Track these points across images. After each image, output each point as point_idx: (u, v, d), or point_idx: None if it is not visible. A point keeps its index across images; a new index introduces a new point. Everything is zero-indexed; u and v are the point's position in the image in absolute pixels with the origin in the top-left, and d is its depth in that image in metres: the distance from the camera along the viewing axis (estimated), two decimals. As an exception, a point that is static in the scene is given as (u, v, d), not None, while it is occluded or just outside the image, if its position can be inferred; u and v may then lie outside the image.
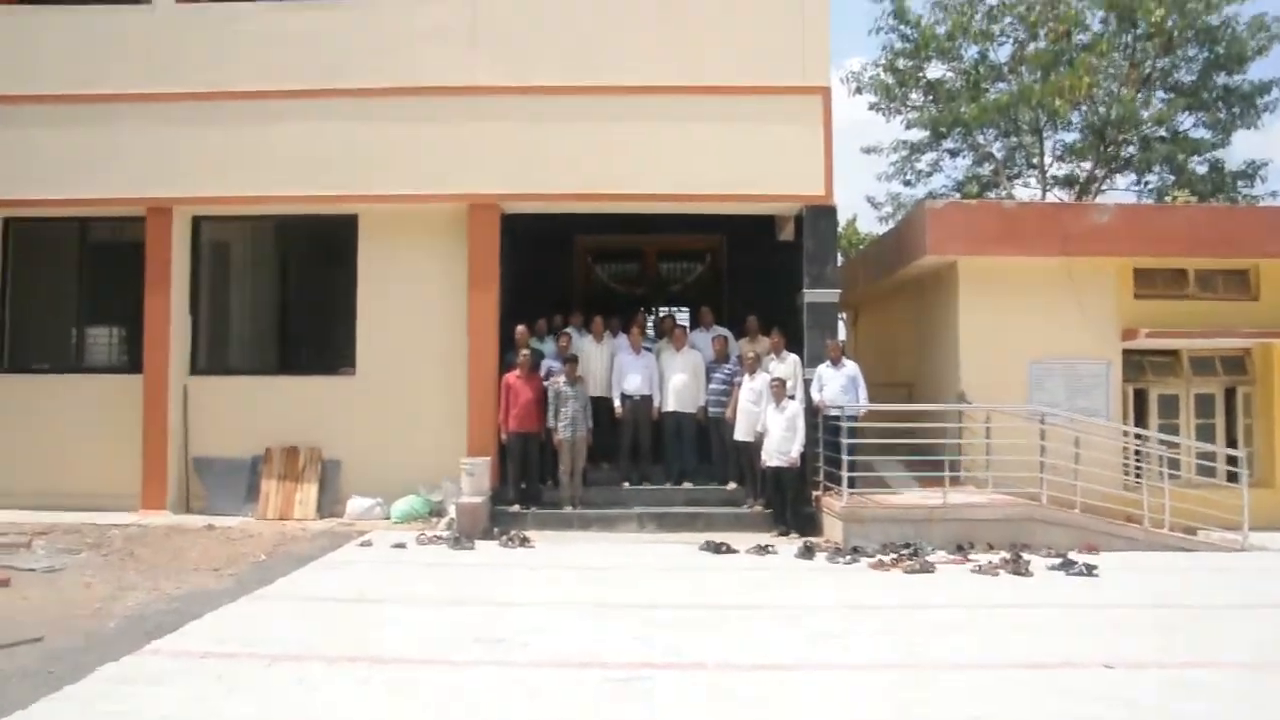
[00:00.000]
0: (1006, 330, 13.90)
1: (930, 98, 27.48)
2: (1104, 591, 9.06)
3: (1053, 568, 9.92)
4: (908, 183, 28.95)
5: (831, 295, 13.08)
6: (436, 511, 12.94)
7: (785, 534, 11.92)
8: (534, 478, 12.65)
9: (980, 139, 27.70)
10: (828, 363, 12.65)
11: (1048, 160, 27.17)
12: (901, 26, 26.45)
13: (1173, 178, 25.71)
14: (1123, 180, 27.10)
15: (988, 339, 13.90)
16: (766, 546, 10.85)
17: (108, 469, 13.19)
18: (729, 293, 15.78)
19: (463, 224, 13.29)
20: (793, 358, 12.87)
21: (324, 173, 13.20)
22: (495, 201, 13.21)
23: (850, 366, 12.61)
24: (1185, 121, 25.89)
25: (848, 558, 10.37)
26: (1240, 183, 25.37)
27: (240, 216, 13.94)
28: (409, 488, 13.08)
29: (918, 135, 27.97)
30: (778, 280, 15.24)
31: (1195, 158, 25.66)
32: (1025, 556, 10.28)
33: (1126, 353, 14.23)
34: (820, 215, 13.13)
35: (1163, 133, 25.62)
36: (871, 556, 10.55)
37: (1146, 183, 26.39)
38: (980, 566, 9.86)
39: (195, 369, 13.69)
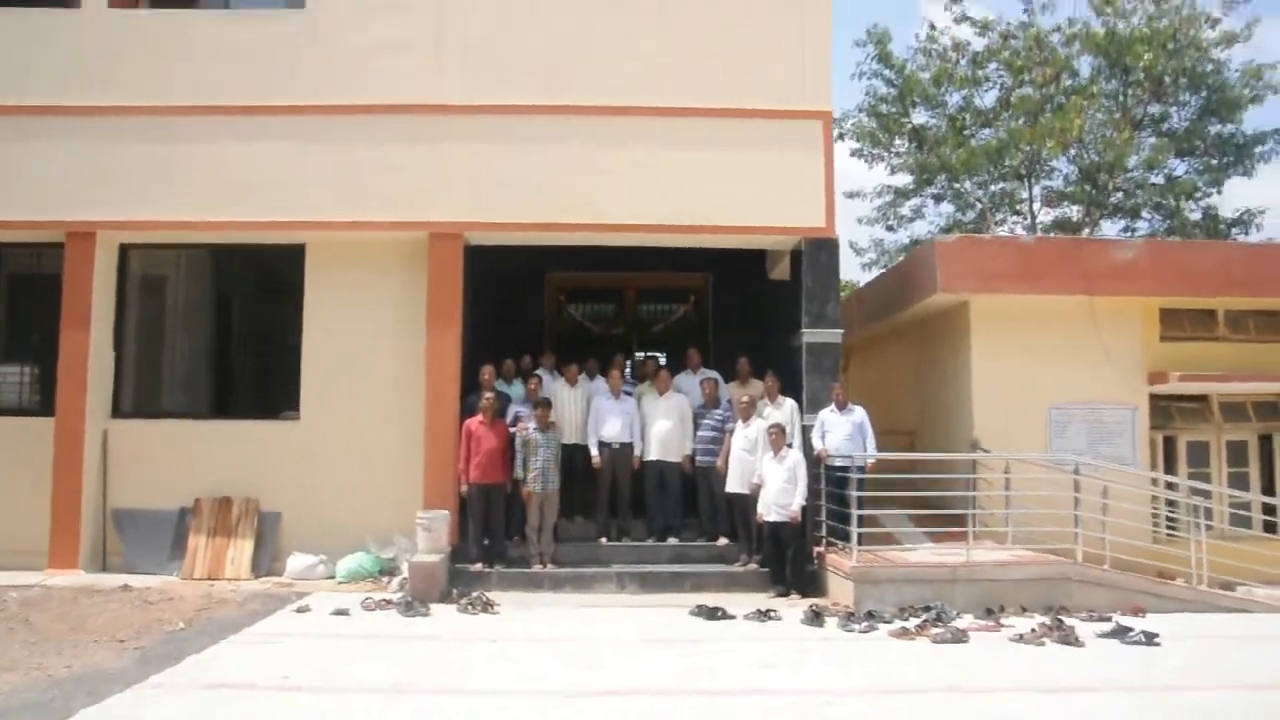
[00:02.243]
0: (1023, 374, 12.66)
1: (914, 143, 26.66)
2: (1174, 666, 7.68)
3: (1104, 635, 8.55)
4: (890, 228, 28.03)
5: (834, 335, 11.77)
6: (388, 570, 11.40)
7: (785, 595, 10.50)
8: (499, 533, 11.17)
9: (965, 185, 26.87)
10: (831, 408, 11.32)
11: (1035, 206, 26.33)
12: (885, 71, 25.67)
13: (1164, 223, 24.93)
14: (1111, 226, 26.26)
15: (1003, 383, 12.65)
16: (768, 612, 9.40)
17: (10, 522, 11.55)
18: (715, 335, 14.48)
19: (422, 255, 11.89)
20: (790, 403, 11.54)
21: (268, 198, 11.80)
22: (458, 231, 11.85)
23: (857, 412, 11.27)
24: (1177, 167, 25.16)
25: (863, 624, 8.95)
26: (1235, 230, 24.55)
27: (173, 245, 12.44)
28: (357, 544, 11.55)
29: (901, 180, 27.15)
30: (769, 322, 14.06)
31: (1188, 203, 24.86)
32: (1067, 621, 8.91)
33: (1153, 398, 13.01)
34: (821, 249, 11.88)
35: (1154, 178, 24.87)
36: (889, 622, 9.16)
37: (1136, 229, 25.55)
38: (1022, 635, 8.45)
39: (118, 411, 12.14)
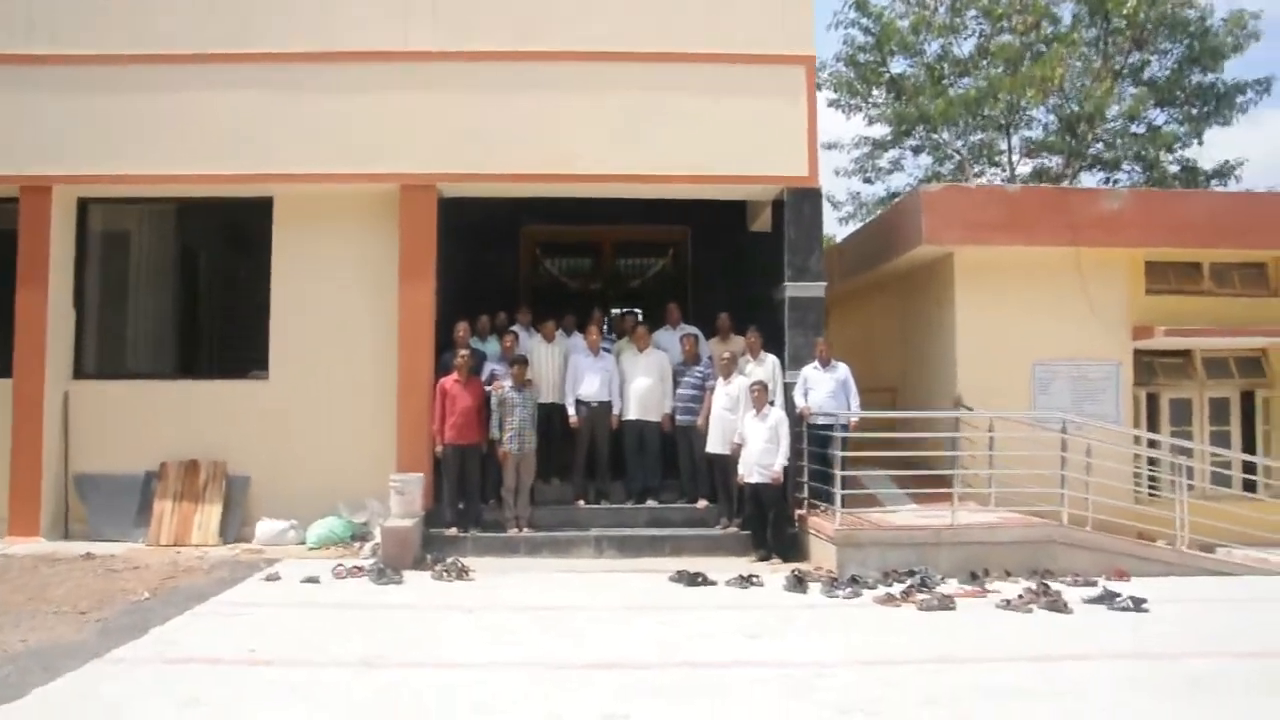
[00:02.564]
0: (1008, 328, 12.47)
1: (892, 94, 26.26)
2: (1164, 632, 7.51)
3: (1091, 600, 8.38)
4: (868, 180, 27.72)
5: (817, 289, 11.49)
6: (360, 535, 11.14)
7: (767, 559, 10.32)
8: (474, 496, 10.90)
9: (943, 136, 26.56)
10: (814, 364, 11.07)
11: (1015, 157, 26.05)
12: (863, 20, 25.24)
13: (1144, 175, 24.72)
14: (1091, 178, 26.01)
15: (987, 338, 12.45)
16: (750, 577, 9.19)
17: (-33, 489, 11.21)
18: (695, 290, 14.14)
19: (394, 208, 11.52)
20: (771, 359, 11.29)
21: (233, 149, 11.38)
22: (431, 182, 11.46)
23: (841, 369, 11.03)
24: (1157, 117, 24.90)
25: (847, 590, 8.75)
26: (1214, 182, 24.36)
27: (135, 199, 12.00)
28: (329, 508, 11.28)
29: (879, 132, 26.81)
30: (750, 277, 13.79)
31: (1167, 155, 24.63)
32: (1053, 586, 8.76)
33: (1137, 353, 12.85)
34: (803, 199, 11.56)
35: (1135, 128, 24.62)
36: (873, 587, 8.98)
37: (1116, 180, 25.32)
38: (1009, 602, 8.27)
39: (79, 372, 11.76)
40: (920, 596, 8.45)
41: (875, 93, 26.46)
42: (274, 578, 9.25)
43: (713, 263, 14.14)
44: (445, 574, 9.40)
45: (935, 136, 26.44)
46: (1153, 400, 13.18)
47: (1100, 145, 24.94)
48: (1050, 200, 12.67)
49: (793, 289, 11.44)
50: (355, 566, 9.54)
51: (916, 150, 27.02)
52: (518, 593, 8.83)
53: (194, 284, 12.36)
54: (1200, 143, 24.43)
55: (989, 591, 8.83)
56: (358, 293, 11.65)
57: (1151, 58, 24.39)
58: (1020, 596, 8.34)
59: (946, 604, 8.16)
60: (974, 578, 9.28)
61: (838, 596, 8.63)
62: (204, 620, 7.64)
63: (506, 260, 14.11)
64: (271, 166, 11.38)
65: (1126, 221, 12.37)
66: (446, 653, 6.72)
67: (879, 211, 24.42)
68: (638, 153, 11.42)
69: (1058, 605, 8.09)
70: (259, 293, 11.80)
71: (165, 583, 9.29)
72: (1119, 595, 8.29)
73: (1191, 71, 23.91)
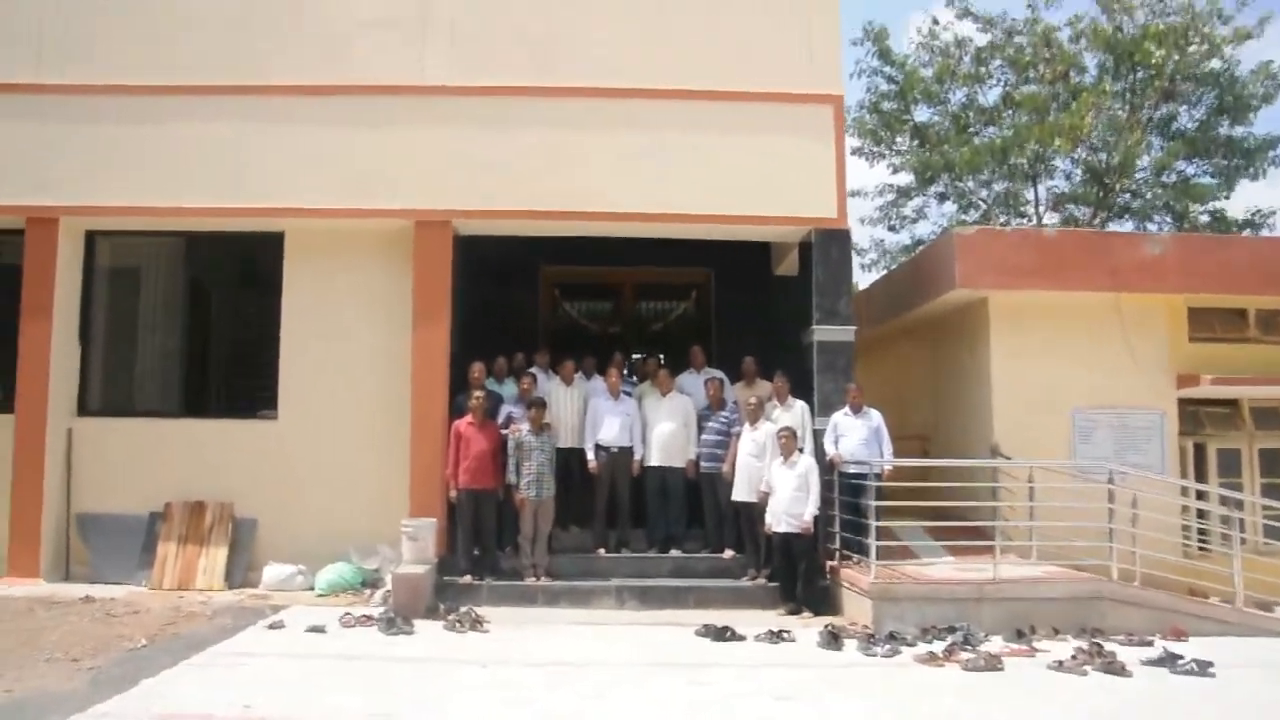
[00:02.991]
0: (1046, 375, 11.99)
1: (916, 141, 25.97)
2: (1238, 700, 6.96)
3: (1150, 662, 7.82)
4: (892, 228, 27.31)
5: (846, 332, 11.07)
6: (371, 582, 10.66)
7: (796, 613, 9.78)
8: (490, 543, 10.43)
9: (968, 184, 26.24)
10: (845, 410, 10.61)
11: (1040, 208, 25.64)
12: (886, 68, 25.02)
13: (1175, 225, 24.28)
14: (1120, 227, 25.52)
15: (1024, 385, 11.97)
16: (780, 632, 8.66)
17: (-35, 529, 10.78)
18: (719, 334, 13.66)
19: (408, 245, 11.17)
20: (800, 405, 10.83)
21: (244, 182, 11.08)
22: (446, 219, 11.12)
23: (874, 415, 10.56)
24: (1187, 170, 24.51)
25: (885, 647, 8.21)
26: (1245, 232, 23.89)
27: (143, 232, 11.69)
28: (339, 553, 10.81)
29: (903, 180, 26.48)
30: (775, 321, 13.32)
31: (1197, 206, 24.21)
32: (1106, 646, 8.21)
33: (1182, 402, 12.32)
34: (832, 241, 11.18)
35: (1164, 179, 24.22)
36: (913, 645, 8.45)
37: (1146, 229, 24.85)
38: (1061, 663, 7.71)
39: (84, 409, 11.37)
40: (964, 656, 7.90)
41: (899, 140, 26.21)
42: (278, 625, 8.77)
43: (737, 306, 13.71)
44: (459, 624, 8.90)
45: (960, 185, 26.12)
46: (1199, 451, 12.63)
47: (1128, 196, 24.56)
48: (1089, 244, 12.23)
49: (821, 333, 11.01)
50: (364, 615, 9.05)
51: (941, 198, 26.66)
52: (534, 646, 8.32)
53: (203, 320, 11.98)
54: (1228, 196, 24.06)
55: (1037, 650, 8.28)
56: (370, 331, 11.28)
57: (1180, 109, 24.07)
58: (1074, 657, 7.78)
59: (993, 664, 7.61)
60: (1020, 635, 8.73)
61: (876, 654, 8.10)
62: (200, 671, 7.16)
63: (525, 301, 13.71)
64: (282, 200, 11.06)
65: (1169, 266, 11.92)
66: (455, 712, 6.21)
67: (903, 259, 24.02)
68: (660, 191, 11.07)
69: (1115, 668, 7.53)
70: (269, 330, 11.44)
71: (165, 629, 8.84)
72: (1181, 658, 7.73)
73: (1220, 123, 23.57)
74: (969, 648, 8.25)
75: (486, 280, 12.56)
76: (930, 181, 26.15)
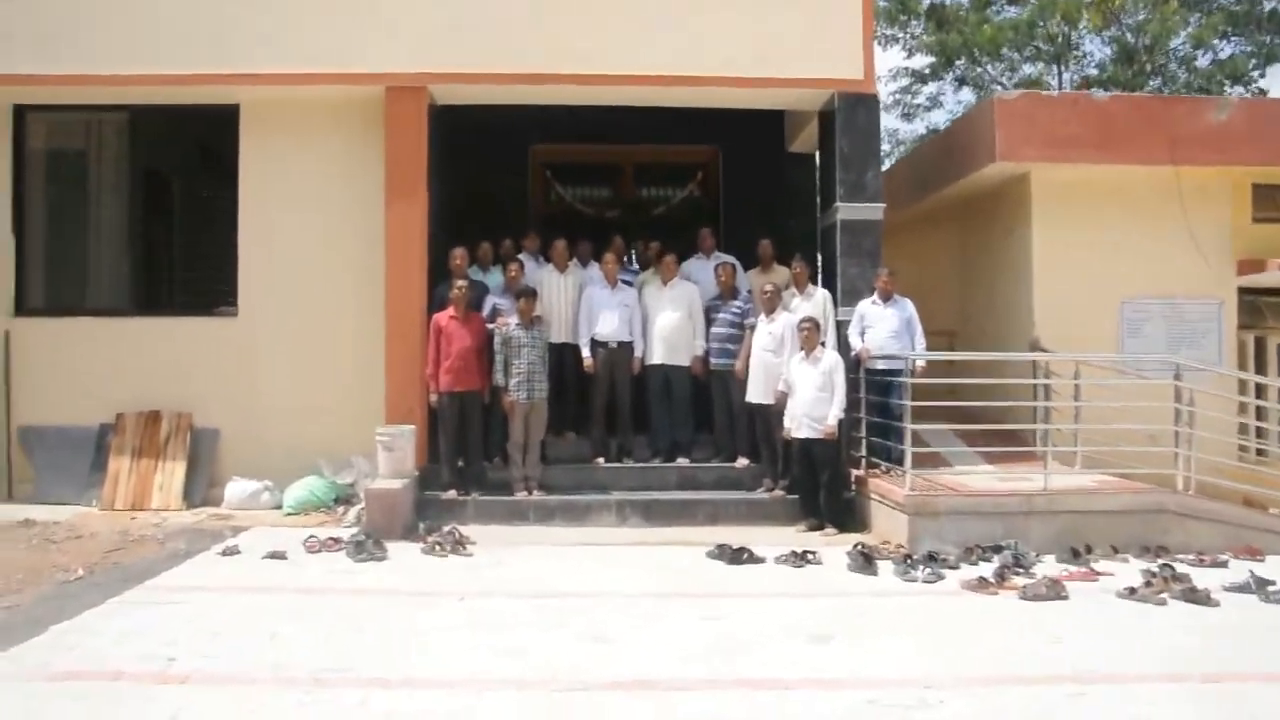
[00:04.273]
0: (1092, 262, 10.78)
1: (934, 22, 24.25)
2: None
3: (1234, 588, 6.75)
4: (906, 115, 25.80)
5: (874, 210, 9.81)
6: (345, 499, 9.61)
7: (819, 528, 8.75)
8: (475, 453, 9.32)
9: (988, 68, 24.66)
10: (873, 299, 9.43)
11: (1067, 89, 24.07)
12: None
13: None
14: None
15: (1068, 273, 10.77)
16: (804, 554, 7.58)
17: (-112, 444, 9.69)
18: (727, 220, 12.40)
19: (379, 116, 9.83)
20: (822, 293, 9.67)
21: (191, 45, 9.65)
22: (420, 84, 9.73)
23: (905, 304, 9.41)
24: (1224, 49, 22.91)
25: (925, 571, 7.15)
26: (1284, 114, 22.37)
27: (81, 106, 10.32)
28: (309, 466, 9.73)
29: (919, 63, 24.88)
30: (790, 204, 12.21)
31: (1234, 86, 22.65)
32: (1178, 568, 7.16)
33: (1241, 291, 11.10)
34: (858, 106, 9.82)
35: (1200, 59, 22.66)
36: (956, 567, 7.42)
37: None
38: (1133, 590, 6.63)
39: (21, 308, 10.18)
40: (1020, 581, 6.85)
41: (914, 23, 24.51)
42: (232, 552, 7.72)
43: (747, 188, 12.40)
44: (439, 547, 7.85)
45: (979, 69, 24.57)
46: (1260, 345, 11.46)
47: (1159, 79, 22.98)
48: (1146, 111, 10.80)
49: (846, 210, 9.76)
50: (330, 538, 7.98)
51: (959, 83, 25.09)
52: (524, 572, 7.27)
53: (153, 208, 10.66)
54: (1263, 74, 22.52)
55: (1098, 574, 7.23)
56: (339, 216, 10.04)
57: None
58: (1148, 584, 6.70)
59: (1056, 591, 6.55)
60: (1075, 555, 7.65)
61: (916, 579, 7.04)
62: (129, 611, 6.08)
63: (513, 185, 12.39)
64: (236, 65, 9.65)
65: (1234, 135, 10.55)
66: (423, 664, 5.10)
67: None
68: (661, 50, 9.66)
69: (1198, 596, 6.45)
70: (226, 215, 10.20)
71: (107, 557, 7.80)
72: (1272, 583, 6.66)
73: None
74: (1021, 570, 7.21)
75: (470, 162, 11.26)
76: (948, 65, 24.63)
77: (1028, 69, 24.52)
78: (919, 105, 26.11)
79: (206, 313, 10.21)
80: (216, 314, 10.17)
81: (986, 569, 7.26)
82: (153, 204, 10.67)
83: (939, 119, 25.66)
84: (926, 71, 25.11)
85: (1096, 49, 23.82)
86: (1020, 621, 6.02)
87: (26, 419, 10.02)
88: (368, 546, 7.67)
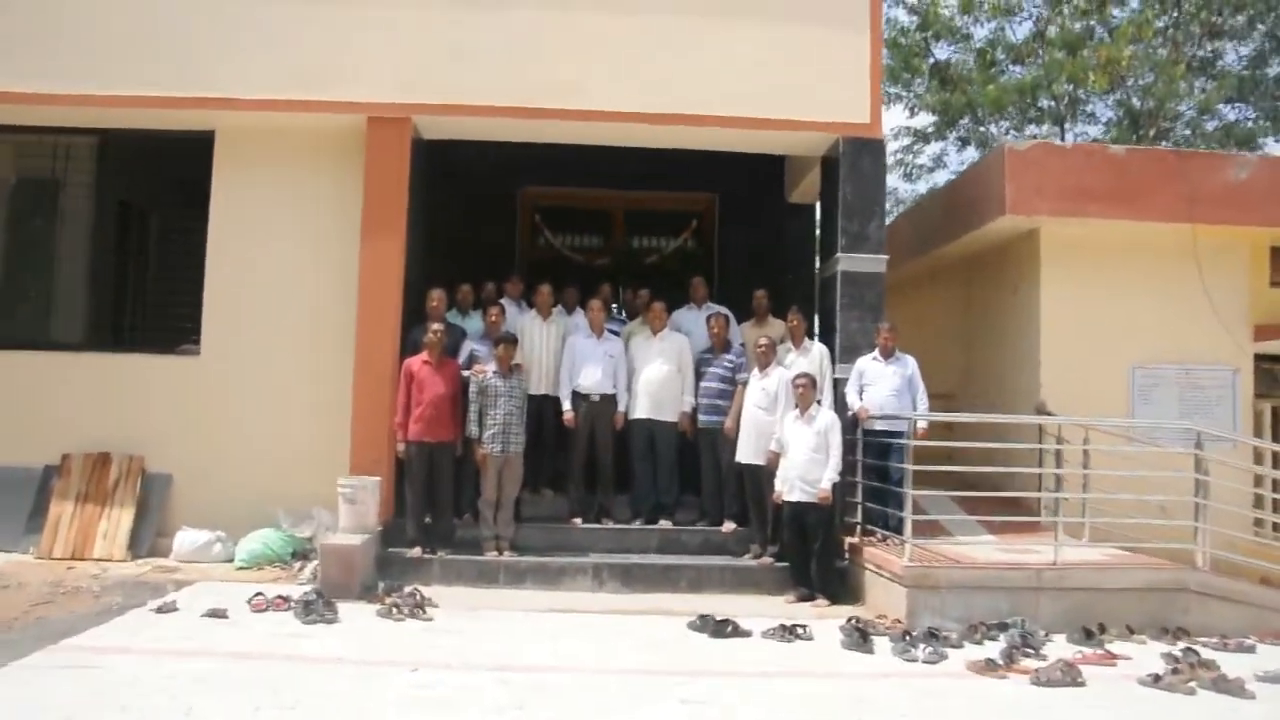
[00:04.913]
0: (1103, 323, 10.24)
1: (937, 81, 24.01)
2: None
3: (1268, 678, 6.11)
4: (909, 176, 25.42)
5: (877, 262, 9.30)
6: (302, 553, 8.95)
7: (809, 599, 8.12)
8: (444, 508, 8.68)
9: (992, 129, 24.36)
10: (874, 355, 8.88)
11: (1070, 153, 23.74)
12: (905, 1, 23.08)
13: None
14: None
15: (1078, 334, 10.23)
16: (794, 628, 6.95)
17: None
18: (722, 272, 11.91)
19: (360, 149, 9.33)
20: (819, 348, 9.11)
21: (164, 67, 9.19)
22: (403, 114, 9.24)
23: (907, 362, 8.87)
24: (1229, 114, 22.65)
25: (926, 650, 6.51)
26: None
27: (41, 129, 9.81)
28: (266, 518, 9.09)
29: (922, 122, 24.62)
30: (787, 257, 11.70)
31: (1242, 152, 22.33)
32: (1203, 653, 6.54)
33: (1258, 359, 10.57)
34: (863, 151, 9.36)
35: (1207, 125, 22.36)
36: (959, 645, 6.78)
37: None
38: (1156, 677, 5.99)
39: (-33, 340, 9.60)
40: (1029, 663, 6.22)
41: (918, 82, 24.27)
42: (169, 609, 7.05)
43: (744, 238, 11.94)
44: (396, 609, 7.19)
45: (982, 129, 24.27)
46: (1276, 416, 10.92)
47: (1167, 142, 22.68)
48: (1164, 165, 10.22)
49: (847, 261, 9.24)
50: (279, 597, 7.31)
51: (963, 143, 24.75)
52: (487, 640, 6.61)
53: (116, 236, 10.12)
54: (1277, 140, 22.26)
55: (1115, 657, 6.59)
56: (312, 254, 9.50)
57: (1227, 46, 22.18)
58: (1174, 671, 6.06)
59: (1072, 677, 5.90)
60: (1088, 636, 7.02)
61: (916, 659, 6.40)
62: (32, 677, 5.42)
63: (500, 228, 11.92)
64: (212, 90, 9.18)
65: (1254, 195, 10.04)
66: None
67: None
68: (658, 87, 9.22)
69: (1231, 686, 5.82)
70: (193, 249, 9.65)
71: (31, 611, 7.19)
72: (1309, 674, 6.05)
73: (1272, 62, 21.71)
74: (1030, 651, 6.58)
75: (456, 202, 10.86)
76: (951, 124, 24.33)
77: (1032, 129, 24.21)
78: (921, 166, 25.79)
79: (167, 351, 9.62)
80: (178, 352, 9.57)
81: (993, 649, 6.64)
82: (120, 235, 10.14)
83: (942, 179, 25.34)
84: (930, 130, 24.82)
85: (1101, 111, 23.52)
86: (1034, 712, 5.37)
87: (-35, 458, 9.39)
88: (317, 607, 7.02)
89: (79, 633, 6.41)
